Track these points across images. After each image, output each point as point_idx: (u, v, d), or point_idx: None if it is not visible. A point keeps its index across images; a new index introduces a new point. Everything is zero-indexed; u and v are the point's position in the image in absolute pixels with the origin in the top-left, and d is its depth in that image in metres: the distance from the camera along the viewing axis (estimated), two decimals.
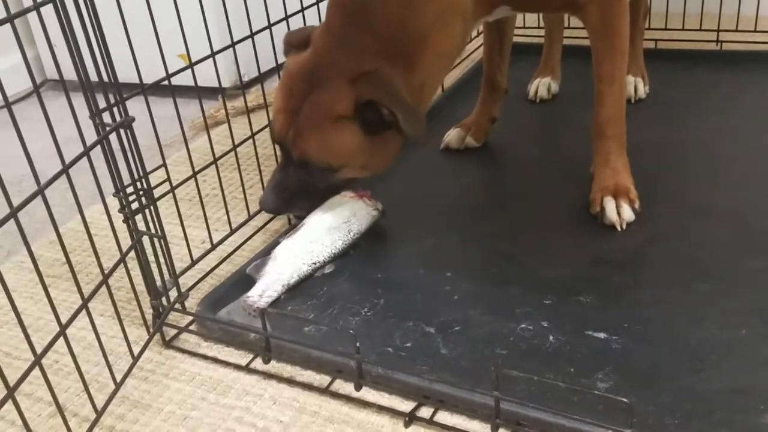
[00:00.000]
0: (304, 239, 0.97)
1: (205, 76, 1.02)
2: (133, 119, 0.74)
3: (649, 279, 0.92)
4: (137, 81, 0.86)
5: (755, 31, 1.53)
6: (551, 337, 0.83)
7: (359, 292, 0.94)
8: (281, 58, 1.09)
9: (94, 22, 0.70)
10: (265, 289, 0.91)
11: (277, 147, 1.03)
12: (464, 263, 0.99)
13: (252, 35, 1.03)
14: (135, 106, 0.84)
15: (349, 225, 1.00)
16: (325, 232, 0.98)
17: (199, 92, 0.94)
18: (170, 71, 0.90)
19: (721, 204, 1.05)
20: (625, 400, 0.62)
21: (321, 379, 0.81)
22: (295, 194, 1.00)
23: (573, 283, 0.91)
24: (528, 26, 1.68)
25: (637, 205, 1.02)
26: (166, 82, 0.89)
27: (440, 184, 1.21)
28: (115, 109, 0.75)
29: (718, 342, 0.79)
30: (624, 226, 1.00)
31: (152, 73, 0.89)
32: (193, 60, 0.93)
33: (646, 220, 1.02)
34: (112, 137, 0.75)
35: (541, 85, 1.42)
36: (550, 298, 0.89)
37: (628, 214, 1.01)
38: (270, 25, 1.06)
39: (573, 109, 1.40)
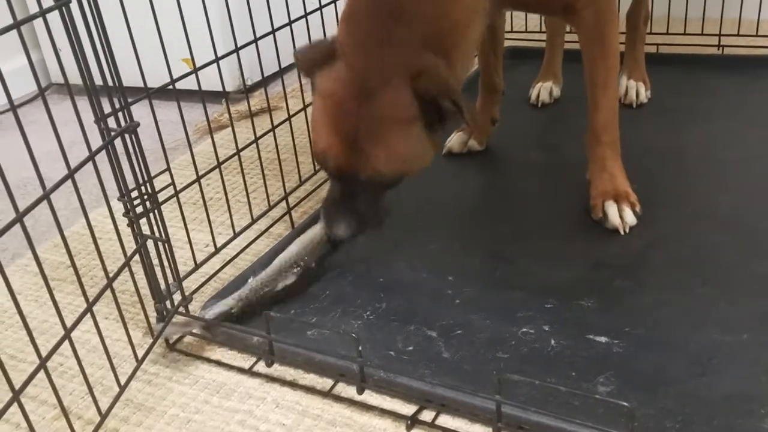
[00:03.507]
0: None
1: (210, 80, 1.02)
2: (138, 124, 0.75)
3: (651, 283, 0.92)
4: (142, 85, 0.86)
5: (756, 35, 1.54)
6: (553, 341, 0.83)
7: (362, 295, 0.95)
8: (285, 62, 1.10)
9: (99, 27, 0.71)
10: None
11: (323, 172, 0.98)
12: (466, 267, 0.99)
13: (256, 40, 1.04)
14: (140, 110, 0.85)
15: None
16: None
17: (203, 96, 0.95)
18: (175, 75, 0.91)
19: (722, 209, 1.05)
20: (626, 404, 0.62)
21: (323, 383, 0.82)
22: (364, 215, 0.93)
23: (574, 287, 0.92)
24: (530, 30, 1.68)
25: (638, 209, 1.02)
26: (171, 87, 0.89)
27: (443, 188, 1.22)
28: (120, 114, 0.76)
29: (719, 346, 0.80)
30: (627, 230, 1.01)
31: (157, 77, 0.90)
32: (198, 64, 0.94)
33: (648, 224, 1.03)
34: (117, 141, 0.76)
35: (543, 90, 1.43)
36: (551, 302, 0.89)
37: (630, 218, 1.01)
38: (273, 31, 1.07)
39: (575, 113, 1.40)
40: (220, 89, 1.06)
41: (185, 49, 0.92)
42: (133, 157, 0.77)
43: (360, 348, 0.77)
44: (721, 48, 1.54)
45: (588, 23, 1.02)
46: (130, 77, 0.83)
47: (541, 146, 1.33)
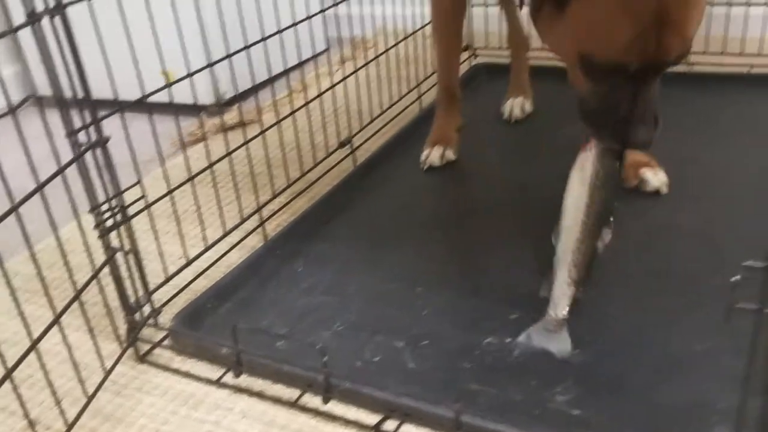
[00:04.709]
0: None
1: (187, 93, 1.04)
2: (108, 139, 0.77)
3: (616, 294, 0.94)
4: (120, 98, 0.88)
5: (723, 53, 1.57)
6: (515, 352, 0.85)
7: (332, 306, 0.96)
8: (260, 77, 1.12)
9: (69, 43, 0.72)
10: (556, 302, 0.86)
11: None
12: (438, 278, 1.01)
13: (230, 55, 1.06)
14: (116, 122, 0.86)
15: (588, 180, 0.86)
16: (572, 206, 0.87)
17: (176, 111, 0.96)
18: (152, 88, 0.92)
19: (688, 221, 1.08)
20: (577, 412, 0.64)
21: (290, 393, 0.83)
22: (657, 111, 0.82)
23: (541, 298, 0.93)
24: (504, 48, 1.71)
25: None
26: (148, 99, 0.91)
27: (416, 200, 1.24)
28: (91, 127, 0.77)
29: (678, 356, 0.82)
30: (666, 190, 1.13)
31: (136, 90, 0.91)
32: (176, 76, 0.95)
33: (615, 235, 1.05)
34: (90, 154, 0.77)
35: (515, 105, 1.46)
36: (517, 313, 0.91)
37: (664, 178, 1.14)
38: (248, 46, 1.09)
39: (546, 127, 1.44)
40: (199, 102, 1.07)
41: (165, 62, 0.94)
42: (103, 171, 0.79)
43: (325, 359, 0.78)
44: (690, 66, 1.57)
45: None
46: (109, 90, 0.85)
47: (512, 160, 1.36)
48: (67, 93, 0.74)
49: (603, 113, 0.82)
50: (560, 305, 0.85)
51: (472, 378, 0.81)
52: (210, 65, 1.03)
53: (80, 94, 0.74)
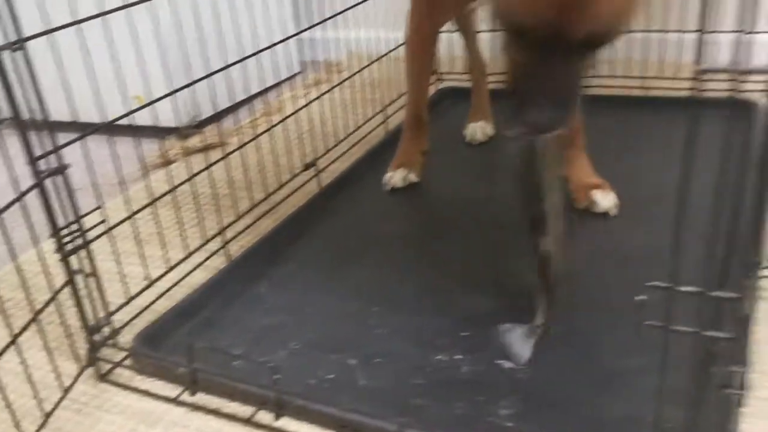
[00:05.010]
0: None
1: (159, 116, 1.08)
2: (67, 166, 0.80)
3: (562, 312, 0.98)
4: (93, 121, 0.93)
5: (674, 78, 1.62)
6: (464, 368, 0.88)
7: (291, 325, 1.00)
8: (231, 101, 1.16)
9: (29, 74, 0.76)
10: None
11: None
12: (393, 298, 1.04)
13: (191, 84, 1.09)
14: (90, 144, 0.91)
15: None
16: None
17: (138, 134, 1.00)
18: (120, 113, 0.96)
19: (631, 243, 1.11)
20: (511, 424, 0.67)
21: (245, 411, 0.85)
22: (565, 96, 0.77)
23: (492, 315, 0.97)
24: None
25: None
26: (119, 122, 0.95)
27: (378, 221, 1.27)
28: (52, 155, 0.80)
29: (617, 372, 0.85)
30: (615, 212, 1.17)
31: (109, 112, 0.95)
32: (147, 100, 0.99)
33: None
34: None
35: (477, 129, 1.50)
36: (468, 330, 0.94)
37: (614, 200, 1.18)
38: (211, 74, 1.12)
39: (506, 150, 1.48)
40: (167, 125, 1.11)
41: (138, 86, 0.98)
42: (64, 197, 0.82)
43: (276, 377, 0.81)
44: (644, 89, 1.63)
45: None
46: (82, 113, 0.90)
47: (473, 182, 1.40)
48: (28, 119, 0.77)
49: (512, 91, 0.77)
50: (539, 314, 0.90)
51: (421, 393, 0.84)
52: (176, 90, 1.06)
53: (40, 121, 0.77)
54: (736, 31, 0.44)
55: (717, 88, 0.53)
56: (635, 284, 1.00)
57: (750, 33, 0.45)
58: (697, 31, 0.44)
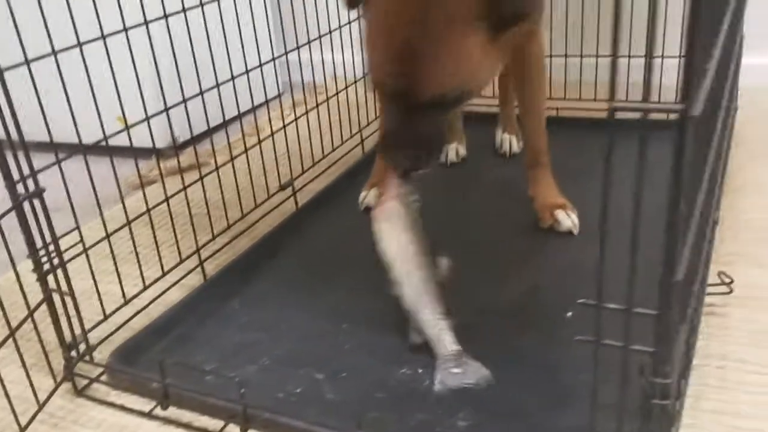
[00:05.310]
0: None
1: (139, 138, 1.13)
2: (43, 190, 0.84)
3: (520, 328, 1.01)
4: (73, 142, 0.97)
5: (644, 101, 1.67)
6: (426, 381, 0.92)
7: (263, 342, 1.03)
8: (213, 122, 1.21)
9: (6, 99, 0.80)
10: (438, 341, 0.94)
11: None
12: (364, 314, 1.07)
13: (166, 109, 1.14)
14: (69, 167, 0.95)
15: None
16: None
17: (112, 157, 1.03)
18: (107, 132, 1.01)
19: (590, 260, 1.15)
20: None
21: (215, 424, 0.89)
22: (424, 145, 0.90)
23: (454, 330, 1.01)
24: None
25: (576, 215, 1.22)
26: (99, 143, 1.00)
27: (355, 240, 1.30)
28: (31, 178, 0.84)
29: (571, 384, 0.89)
30: (577, 231, 1.21)
31: (91, 134, 1.00)
32: (130, 121, 1.03)
33: (525, 275, 1.14)
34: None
35: (450, 150, 1.55)
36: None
37: (576, 221, 1.22)
38: (185, 100, 1.17)
39: (479, 170, 1.53)
40: (151, 146, 1.15)
41: (117, 107, 1.04)
42: (42, 219, 0.86)
43: (242, 391, 0.85)
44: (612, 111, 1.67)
45: (534, 51, 1.18)
46: (64, 134, 0.95)
47: (446, 202, 1.44)
48: (5, 142, 0.81)
49: (383, 135, 0.90)
50: (445, 341, 0.93)
51: (384, 406, 0.88)
52: (158, 113, 1.11)
53: (18, 143, 0.81)
54: (645, 56, 0.48)
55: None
56: (587, 298, 1.05)
57: (659, 57, 0.50)
58: (609, 56, 0.48)
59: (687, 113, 0.48)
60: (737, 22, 1.15)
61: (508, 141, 1.56)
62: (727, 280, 1.02)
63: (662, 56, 1.32)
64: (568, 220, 1.22)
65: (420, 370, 0.94)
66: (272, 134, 1.39)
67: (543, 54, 1.22)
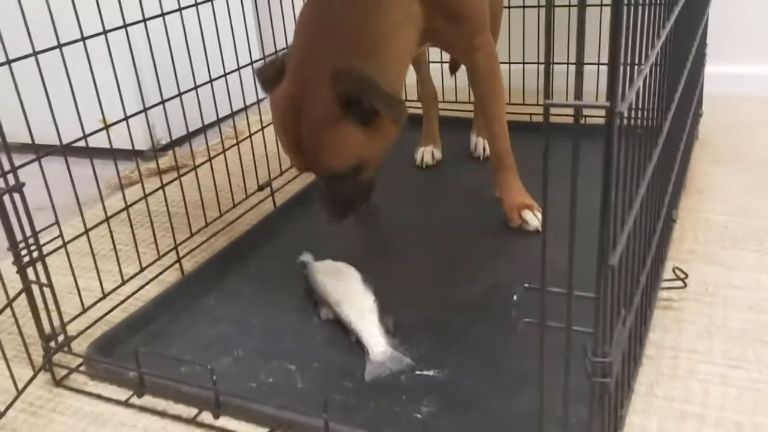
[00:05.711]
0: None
1: (122, 138, 1.16)
2: (23, 185, 0.87)
3: (481, 321, 1.05)
4: (54, 143, 1.01)
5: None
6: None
7: (237, 335, 1.07)
8: (193, 126, 1.24)
9: None
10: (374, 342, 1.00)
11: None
12: None
13: (145, 110, 1.17)
14: (51, 168, 0.99)
15: None
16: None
17: (92, 158, 1.07)
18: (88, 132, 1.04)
19: (558, 260, 1.20)
20: (419, 416, 0.75)
21: (189, 411, 0.92)
22: (347, 202, 1.10)
23: (418, 324, 1.05)
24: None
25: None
26: (78, 144, 1.03)
27: (330, 238, 1.35)
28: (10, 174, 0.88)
29: (528, 371, 0.93)
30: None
31: (74, 137, 1.04)
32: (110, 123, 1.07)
33: (488, 270, 1.18)
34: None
35: (426, 153, 1.59)
36: (398, 338, 1.02)
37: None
38: (163, 101, 1.21)
39: (453, 173, 1.58)
40: (131, 148, 1.18)
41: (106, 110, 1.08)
42: (21, 213, 0.89)
43: (215, 378, 0.88)
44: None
45: (481, 64, 1.24)
46: (44, 134, 0.98)
47: (421, 204, 1.48)
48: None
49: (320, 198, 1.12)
50: (372, 335, 1.00)
51: (351, 394, 0.92)
52: (124, 119, 1.14)
53: None
54: (576, 64, 0.52)
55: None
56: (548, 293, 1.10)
57: (588, 64, 0.54)
58: (542, 63, 0.53)
59: (613, 109, 0.52)
60: (696, 30, 1.21)
61: (482, 144, 1.60)
62: (682, 276, 1.07)
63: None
64: (536, 219, 1.27)
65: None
66: (250, 136, 1.43)
67: (495, 63, 1.26)
